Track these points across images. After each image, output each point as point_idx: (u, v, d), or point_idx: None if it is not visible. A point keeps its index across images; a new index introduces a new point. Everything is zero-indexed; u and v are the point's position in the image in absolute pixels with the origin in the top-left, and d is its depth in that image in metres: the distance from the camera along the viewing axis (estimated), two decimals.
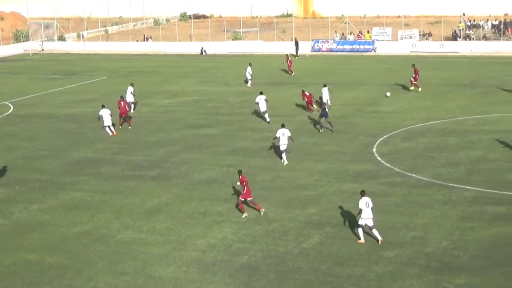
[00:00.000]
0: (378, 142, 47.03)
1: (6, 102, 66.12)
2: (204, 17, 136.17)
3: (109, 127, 51.46)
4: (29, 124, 56.34)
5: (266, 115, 53.14)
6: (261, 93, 54.25)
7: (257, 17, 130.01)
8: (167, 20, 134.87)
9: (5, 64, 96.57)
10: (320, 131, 50.25)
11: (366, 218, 30.47)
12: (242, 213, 34.11)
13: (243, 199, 34.34)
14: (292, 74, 77.77)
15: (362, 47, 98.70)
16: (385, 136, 48.39)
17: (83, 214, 35.22)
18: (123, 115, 53.50)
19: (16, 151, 48.31)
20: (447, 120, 52.70)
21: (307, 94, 57.10)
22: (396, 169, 40.76)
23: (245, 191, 34.20)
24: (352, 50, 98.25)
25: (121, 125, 53.45)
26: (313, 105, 57.09)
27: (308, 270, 28.00)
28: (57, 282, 27.85)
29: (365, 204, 30.55)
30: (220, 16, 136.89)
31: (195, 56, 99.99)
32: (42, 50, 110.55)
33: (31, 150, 48.27)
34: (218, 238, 31.52)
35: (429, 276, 27.04)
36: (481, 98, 60.43)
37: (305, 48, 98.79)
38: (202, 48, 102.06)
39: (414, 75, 64.25)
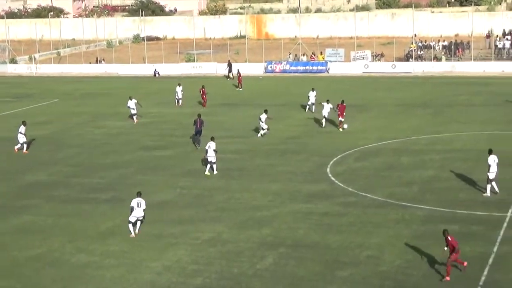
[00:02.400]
0: (332, 162, 47.25)
1: None
2: (157, 39, 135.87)
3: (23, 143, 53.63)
4: None
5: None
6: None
7: (210, 38, 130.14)
8: (120, 42, 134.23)
9: None
10: (198, 147, 52.10)
11: (137, 215, 34.58)
12: None
13: None
14: (241, 89, 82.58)
15: (315, 68, 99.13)
16: (339, 156, 48.65)
17: (35, 237, 34.83)
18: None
19: None
20: (400, 140, 53.17)
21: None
22: (350, 189, 40.97)
23: None
24: (305, 71, 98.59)
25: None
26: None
27: None
28: None
29: (137, 204, 34.53)
30: (174, 38, 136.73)
31: (148, 78, 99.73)
32: None
33: None
34: (172, 260, 31.39)
35: None
36: (433, 118, 61.05)
37: (258, 70, 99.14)
38: (156, 70, 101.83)
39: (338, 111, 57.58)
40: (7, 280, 29.96)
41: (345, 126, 57.41)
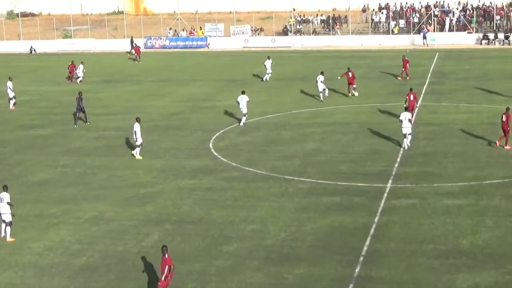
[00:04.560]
0: (214, 137, 47.23)
1: None
2: (32, 15, 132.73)
3: None
4: None
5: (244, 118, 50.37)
6: (243, 92, 50.58)
7: (87, 14, 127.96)
8: None
9: None
10: (76, 126, 51.35)
11: (4, 213, 30.71)
12: None
13: None
14: (139, 62, 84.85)
15: (195, 43, 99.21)
16: (221, 131, 48.67)
17: None
18: None
19: None
20: (281, 114, 53.57)
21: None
22: (233, 164, 41.04)
23: None
24: (185, 47, 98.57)
25: None
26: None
27: (149, 268, 27.74)
28: None
29: (0, 200, 30.84)
30: (49, 14, 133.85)
31: (24, 55, 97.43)
32: None
33: None
34: (55, 241, 30.75)
35: (269, 267, 27.33)
36: (314, 92, 61.62)
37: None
38: (32, 47, 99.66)
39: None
40: None
41: (356, 93, 59.12)
